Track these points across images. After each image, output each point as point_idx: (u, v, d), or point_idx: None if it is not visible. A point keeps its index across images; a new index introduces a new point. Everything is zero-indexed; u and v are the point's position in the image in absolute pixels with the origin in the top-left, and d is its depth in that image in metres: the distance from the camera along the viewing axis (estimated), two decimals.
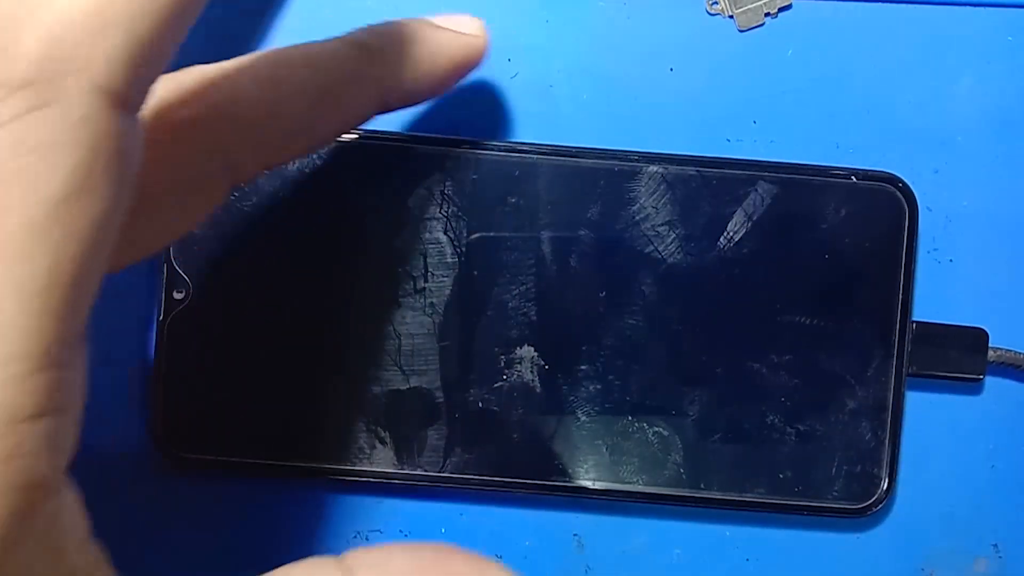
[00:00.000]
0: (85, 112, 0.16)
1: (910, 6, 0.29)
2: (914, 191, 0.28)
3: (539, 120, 0.29)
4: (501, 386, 0.28)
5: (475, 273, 0.28)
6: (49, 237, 0.15)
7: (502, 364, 0.28)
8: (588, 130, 0.29)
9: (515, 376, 0.28)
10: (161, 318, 0.28)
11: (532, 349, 0.28)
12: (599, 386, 0.28)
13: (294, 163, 0.28)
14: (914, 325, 0.29)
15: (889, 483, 0.28)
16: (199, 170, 0.21)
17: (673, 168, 0.28)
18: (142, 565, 0.30)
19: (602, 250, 0.28)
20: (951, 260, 0.30)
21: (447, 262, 0.28)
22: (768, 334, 0.28)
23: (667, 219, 0.28)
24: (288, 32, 0.29)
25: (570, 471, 0.28)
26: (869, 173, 0.28)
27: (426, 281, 0.28)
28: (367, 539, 0.30)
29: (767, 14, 0.29)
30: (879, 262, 0.28)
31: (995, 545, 0.30)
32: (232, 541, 0.30)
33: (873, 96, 0.29)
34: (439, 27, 0.25)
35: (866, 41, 0.29)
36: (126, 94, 0.16)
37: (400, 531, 0.30)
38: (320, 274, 0.28)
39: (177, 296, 0.28)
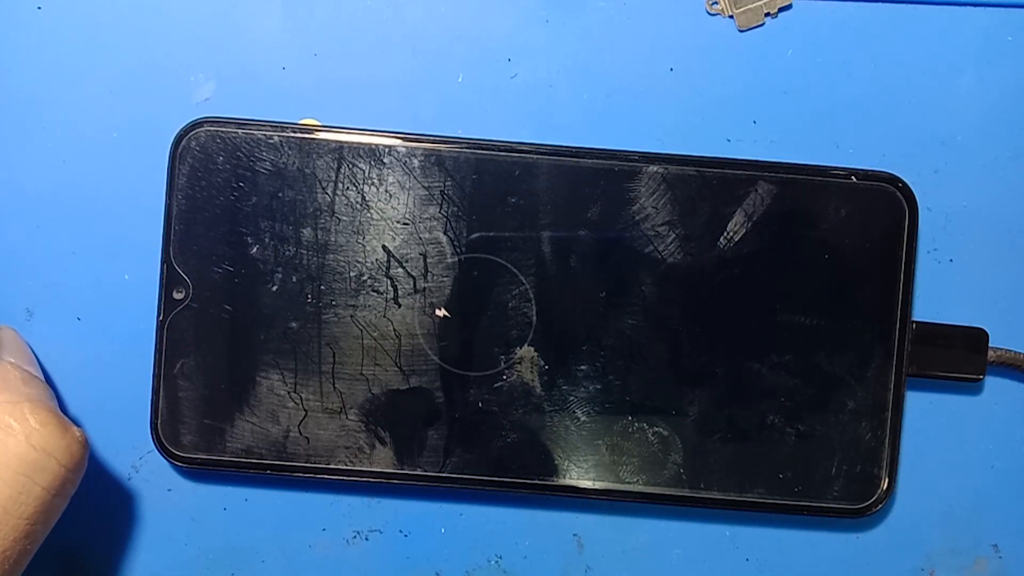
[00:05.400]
0: None
1: (910, 6, 0.29)
2: (914, 191, 0.28)
3: (539, 120, 0.29)
4: (501, 386, 0.28)
5: (475, 273, 0.28)
6: None
7: (502, 364, 0.28)
8: (588, 130, 0.29)
9: (515, 376, 0.28)
10: (161, 318, 0.28)
11: (532, 349, 0.28)
12: (599, 386, 0.28)
13: (294, 163, 0.28)
14: (914, 325, 0.29)
15: (889, 483, 0.28)
16: None
17: (673, 168, 0.28)
18: (142, 565, 0.30)
19: (602, 250, 0.28)
20: (951, 260, 0.30)
21: (447, 262, 0.28)
22: (768, 334, 0.28)
23: (667, 219, 0.28)
24: (286, 32, 0.29)
25: (570, 471, 0.28)
26: (869, 173, 0.28)
27: (426, 281, 0.28)
28: (367, 539, 0.30)
29: (767, 14, 0.29)
30: (879, 262, 0.28)
31: (995, 545, 0.30)
32: (232, 541, 0.30)
33: (873, 96, 0.29)
34: None
35: (866, 41, 0.29)
36: None
37: (400, 531, 0.30)
38: (319, 274, 0.28)
39: (177, 296, 0.28)
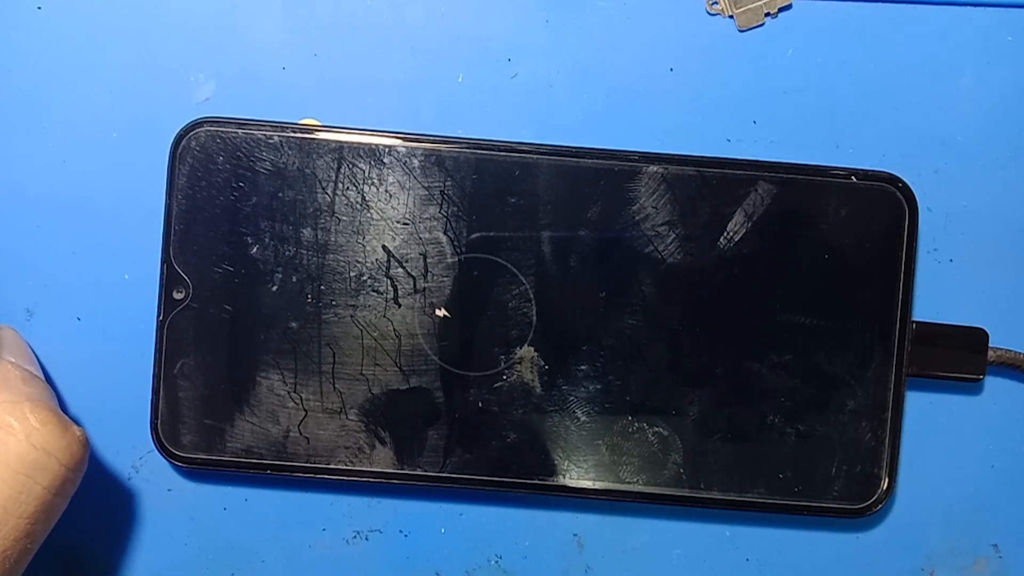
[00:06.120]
0: None
1: (910, 6, 0.29)
2: (914, 191, 0.28)
3: (539, 120, 0.29)
4: (501, 386, 0.28)
5: (475, 273, 0.28)
6: None
7: (502, 364, 0.28)
8: (588, 130, 0.29)
9: (515, 376, 0.28)
10: (161, 318, 0.28)
11: (532, 349, 0.28)
12: (599, 386, 0.28)
13: (294, 163, 0.28)
14: (914, 325, 0.29)
15: (889, 483, 0.28)
16: None
17: (673, 168, 0.28)
18: (142, 565, 0.30)
19: (602, 250, 0.28)
20: (951, 260, 0.30)
21: (447, 262, 0.28)
22: (768, 334, 0.28)
23: (667, 219, 0.28)
24: (286, 32, 0.29)
25: (570, 471, 0.28)
26: (869, 173, 0.28)
27: (426, 281, 0.28)
28: (367, 539, 0.30)
29: (767, 14, 0.29)
30: (879, 262, 0.28)
31: (995, 545, 0.30)
32: (232, 541, 0.30)
33: (873, 96, 0.29)
34: None
35: (866, 41, 0.29)
36: None
37: (400, 531, 0.30)
38: (319, 274, 0.28)
39: (177, 296, 0.28)
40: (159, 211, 0.28)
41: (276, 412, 0.28)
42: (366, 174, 0.28)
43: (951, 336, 0.29)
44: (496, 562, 0.30)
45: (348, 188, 0.28)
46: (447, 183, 0.28)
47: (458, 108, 0.29)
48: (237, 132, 0.28)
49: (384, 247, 0.28)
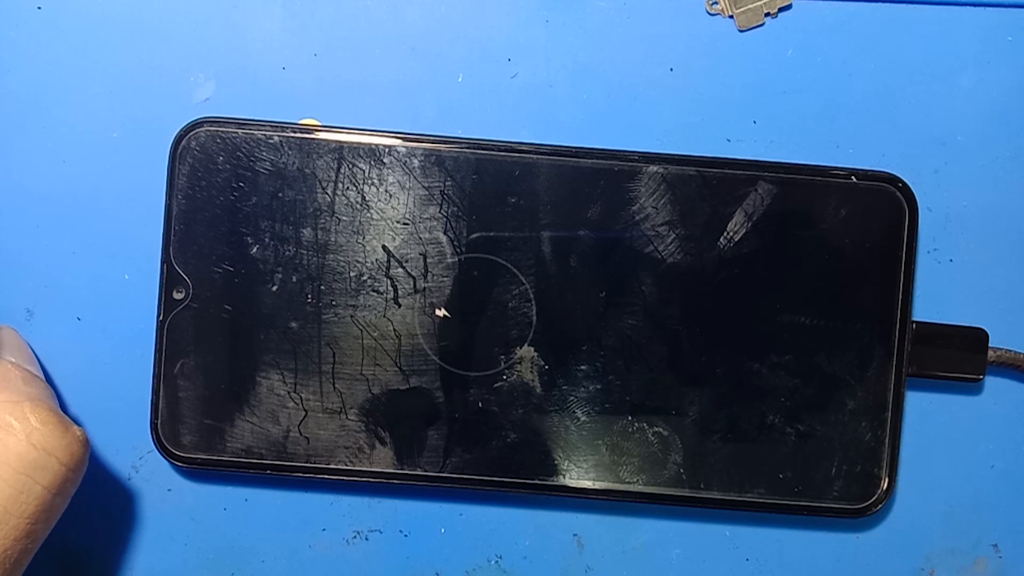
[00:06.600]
0: None
1: (910, 6, 0.29)
2: (914, 191, 0.28)
3: (539, 120, 0.29)
4: (501, 386, 0.28)
5: (475, 273, 0.28)
6: None
7: (502, 364, 0.28)
8: (588, 130, 0.29)
9: (515, 376, 0.28)
10: (161, 318, 0.28)
11: (532, 349, 0.28)
12: (599, 386, 0.28)
13: (294, 163, 0.28)
14: (914, 325, 0.29)
15: (889, 483, 0.28)
16: None
17: (673, 168, 0.28)
18: (142, 565, 0.30)
19: (602, 250, 0.28)
20: (951, 260, 0.30)
21: (447, 262, 0.28)
22: (768, 334, 0.28)
23: (667, 219, 0.28)
24: (286, 32, 0.29)
25: (570, 471, 0.28)
26: (869, 173, 0.28)
27: (426, 281, 0.28)
28: (367, 539, 0.30)
29: (767, 14, 0.29)
30: (879, 262, 0.28)
31: (995, 545, 0.30)
32: (232, 541, 0.30)
33: (873, 96, 0.29)
34: None
35: (866, 41, 0.29)
36: None
37: (400, 531, 0.30)
38: (319, 274, 0.28)
39: (177, 296, 0.28)
40: (159, 211, 0.28)
41: (276, 412, 0.28)
42: (366, 174, 0.28)
43: (951, 336, 0.29)
44: (496, 562, 0.30)
45: (348, 188, 0.28)
46: (447, 183, 0.28)
47: (458, 108, 0.29)
48: (237, 132, 0.28)
49: (384, 247, 0.28)
